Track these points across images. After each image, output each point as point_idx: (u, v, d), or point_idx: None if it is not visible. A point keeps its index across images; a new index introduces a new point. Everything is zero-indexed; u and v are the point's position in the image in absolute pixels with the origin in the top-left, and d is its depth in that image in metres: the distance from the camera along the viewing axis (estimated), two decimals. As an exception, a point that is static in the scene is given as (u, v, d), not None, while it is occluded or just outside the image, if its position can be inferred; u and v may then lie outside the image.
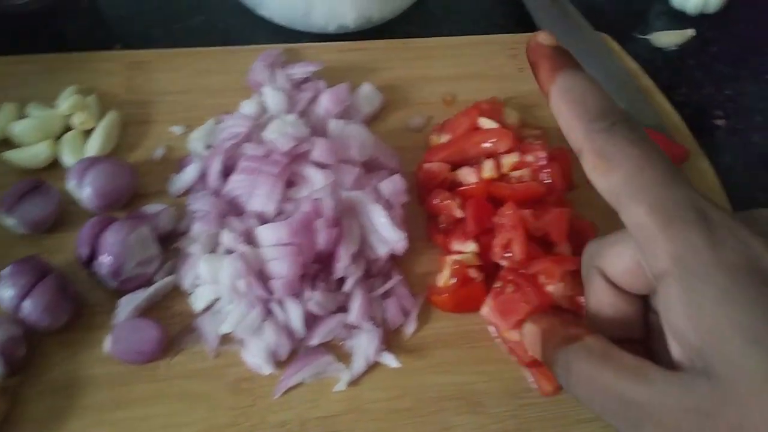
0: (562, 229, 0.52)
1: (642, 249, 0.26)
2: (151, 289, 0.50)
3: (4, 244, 0.53)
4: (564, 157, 0.57)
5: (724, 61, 0.76)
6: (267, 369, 0.49)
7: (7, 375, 0.46)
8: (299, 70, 0.62)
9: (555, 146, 0.57)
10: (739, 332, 0.23)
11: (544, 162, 0.54)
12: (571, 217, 0.55)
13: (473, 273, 0.52)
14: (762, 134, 0.70)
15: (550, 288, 0.49)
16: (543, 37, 0.31)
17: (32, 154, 0.56)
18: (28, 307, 0.47)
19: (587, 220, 0.56)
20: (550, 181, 0.55)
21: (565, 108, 0.29)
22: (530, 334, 0.31)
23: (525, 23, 0.74)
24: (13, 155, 0.56)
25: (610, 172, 0.27)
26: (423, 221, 0.58)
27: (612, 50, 0.71)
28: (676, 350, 0.25)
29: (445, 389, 0.50)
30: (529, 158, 0.55)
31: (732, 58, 0.76)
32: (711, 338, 0.23)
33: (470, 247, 0.53)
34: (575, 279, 0.52)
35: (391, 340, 0.52)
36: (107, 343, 0.48)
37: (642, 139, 0.27)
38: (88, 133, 0.58)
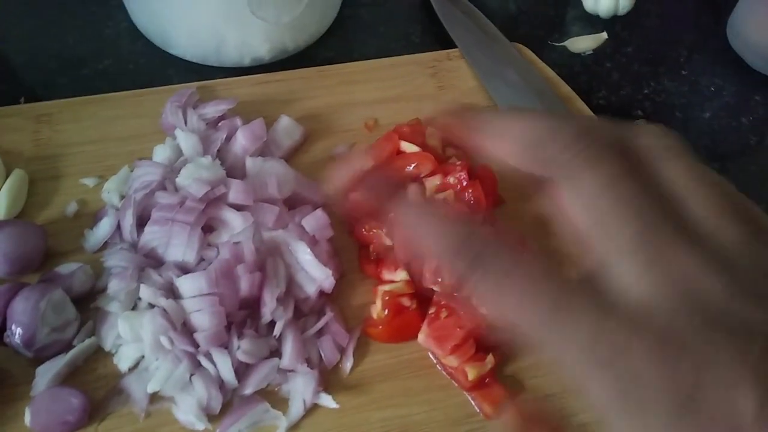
0: (489, 248, 0.51)
1: None
2: (69, 355, 0.48)
3: None
4: (488, 174, 0.57)
5: (639, 60, 0.77)
6: (200, 425, 0.47)
7: None
8: (212, 110, 0.60)
9: (479, 164, 0.57)
10: None
11: (465, 182, 0.54)
12: (501, 233, 0.54)
13: (406, 301, 0.51)
14: (682, 130, 0.71)
15: (484, 310, 0.49)
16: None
17: (-66, 222, 0.53)
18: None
19: (517, 234, 0.56)
20: (473, 200, 0.54)
21: None
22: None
23: (443, 40, 0.74)
24: None
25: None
26: (355, 252, 0.57)
27: (529, 61, 0.71)
28: None
29: (388, 424, 0.49)
30: (451, 180, 0.54)
31: (647, 56, 0.77)
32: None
33: (400, 275, 0.52)
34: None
35: (329, 378, 0.50)
36: (27, 417, 0.46)
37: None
38: (-7, 195, 0.55)
